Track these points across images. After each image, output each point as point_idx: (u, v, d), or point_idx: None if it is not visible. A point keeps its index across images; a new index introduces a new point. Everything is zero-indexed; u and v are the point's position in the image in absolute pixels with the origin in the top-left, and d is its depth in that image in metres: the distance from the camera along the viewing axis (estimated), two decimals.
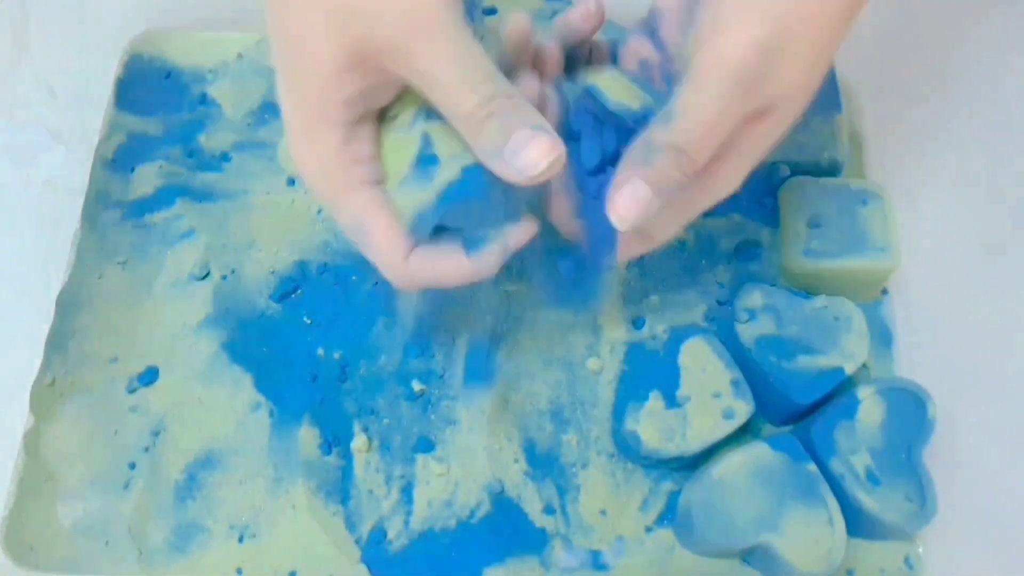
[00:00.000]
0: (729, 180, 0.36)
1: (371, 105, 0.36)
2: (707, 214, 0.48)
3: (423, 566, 0.42)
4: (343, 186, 0.36)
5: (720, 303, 0.47)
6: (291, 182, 0.51)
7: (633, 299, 0.47)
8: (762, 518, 0.40)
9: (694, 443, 0.41)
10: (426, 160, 0.36)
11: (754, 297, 0.44)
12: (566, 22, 0.40)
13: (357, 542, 0.43)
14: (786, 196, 0.47)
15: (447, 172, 0.35)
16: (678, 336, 0.44)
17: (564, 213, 0.39)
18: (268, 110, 0.52)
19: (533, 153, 0.32)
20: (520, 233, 0.37)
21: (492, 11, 0.55)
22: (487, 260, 0.37)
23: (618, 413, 0.44)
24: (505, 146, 0.32)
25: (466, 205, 0.36)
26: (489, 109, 0.33)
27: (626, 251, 0.39)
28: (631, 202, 0.33)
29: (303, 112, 0.35)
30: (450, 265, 0.37)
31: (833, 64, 0.50)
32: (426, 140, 0.36)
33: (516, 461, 0.44)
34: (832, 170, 0.48)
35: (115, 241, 0.49)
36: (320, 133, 0.35)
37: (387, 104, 0.37)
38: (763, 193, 0.49)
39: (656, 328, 0.46)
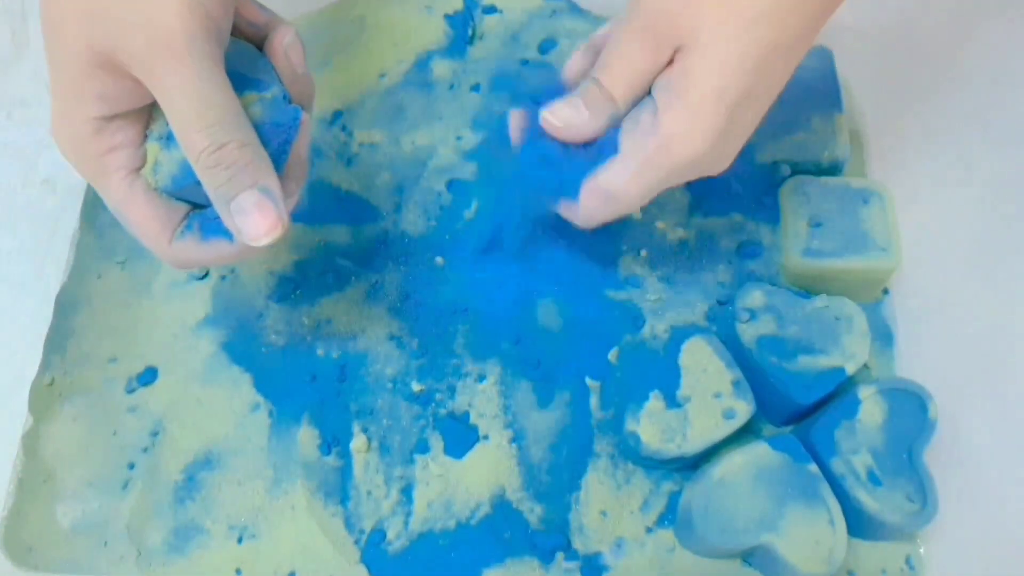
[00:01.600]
0: (678, 129, 0.36)
1: (131, 104, 0.35)
2: (707, 214, 0.49)
3: (422, 567, 0.42)
4: (98, 172, 0.36)
5: (720, 303, 0.47)
6: None
7: (633, 299, 0.47)
8: (763, 518, 0.40)
9: (694, 443, 0.41)
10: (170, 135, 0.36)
11: (755, 297, 0.44)
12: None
13: (356, 543, 0.42)
14: (787, 195, 0.47)
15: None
16: (678, 336, 0.44)
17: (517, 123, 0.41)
18: None
19: (257, 221, 0.34)
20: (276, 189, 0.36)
21: (492, 10, 0.56)
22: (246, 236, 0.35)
23: (618, 413, 0.44)
24: (231, 201, 0.34)
25: (195, 188, 0.36)
26: (218, 156, 0.33)
27: (593, 212, 0.39)
28: (564, 105, 0.38)
29: (59, 95, 0.35)
30: (214, 249, 0.37)
31: (832, 59, 0.50)
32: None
33: (516, 462, 0.44)
34: (833, 169, 0.48)
35: (114, 241, 0.49)
36: (74, 118, 0.35)
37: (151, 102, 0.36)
38: (764, 192, 0.49)
39: (656, 328, 0.46)
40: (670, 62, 0.36)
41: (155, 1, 0.32)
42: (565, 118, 0.38)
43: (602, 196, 0.38)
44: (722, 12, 0.34)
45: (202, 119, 0.33)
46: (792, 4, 0.34)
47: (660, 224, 0.48)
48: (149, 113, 0.37)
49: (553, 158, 0.39)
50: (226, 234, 0.36)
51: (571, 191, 0.39)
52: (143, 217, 0.37)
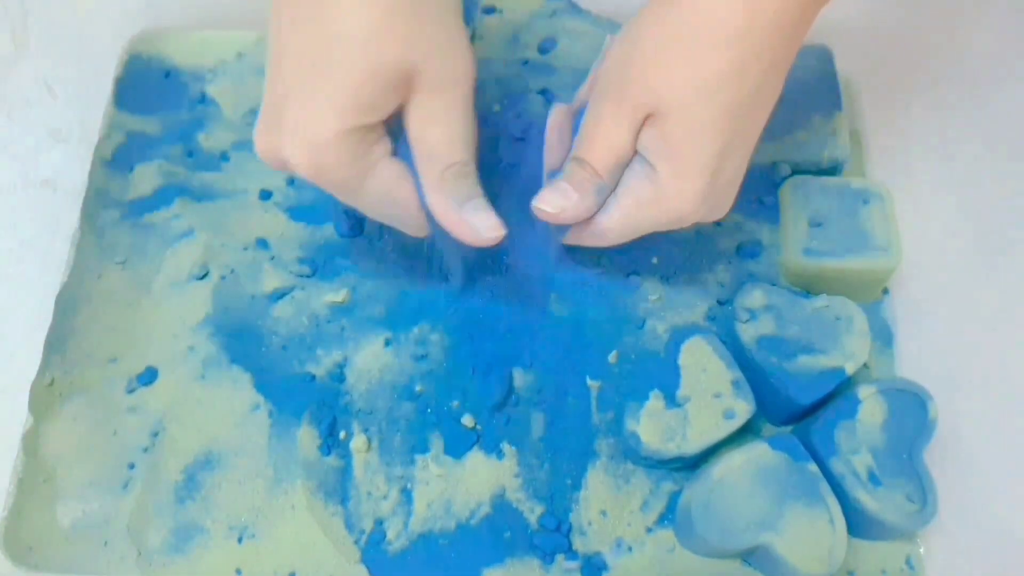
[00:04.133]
0: (671, 184, 0.38)
1: (388, 113, 0.38)
2: None
3: (423, 567, 0.42)
4: (363, 170, 0.38)
5: (720, 303, 0.47)
6: (291, 182, 0.51)
7: (633, 299, 0.47)
8: (763, 518, 0.40)
9: (694, 443, 0.41)
10: None
11: (755, 297, 0.44)
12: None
13: (357, 542, 0.42)
14: (787, 195, 0.47)
15: None
16: (678, 336, 0.44)
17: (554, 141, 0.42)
18: None
19: (490, 221, 0.39)
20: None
21: (492, 10, 0.56)
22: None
23: (618, 413, 0.44)
24: (468, 202, 0.39)
25: None
26: (464, 170, 0.39)
27: (579, 239, 0.42)
28: (552, 192, 0.40)
29: (334, 106, 0.36)
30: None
31: (832, 59, 0.50)
32: None
33: (516, 462, 0.44)
34: (833, 169, 0.48)
35: (114, 241, 0.49)
36: (346, 125, 0.36)
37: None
38: (764, 192, 0.49)
39: (656, 328, 0.46)
40: (647, 120, 0.38)
41: (461, 42, 0.38)
42: (557, 205, 0.39)
43: (592, 233, 0.41)
44: (687, 75, 0.36)
45: (462, 139, 0.39)
46: (752, 55, 0.35)
47: None
48: None
49: None
50: None
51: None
52: (410, 188, 0.39)
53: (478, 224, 0.39)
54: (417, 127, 0.38)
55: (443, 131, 0.38)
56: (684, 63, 0.36)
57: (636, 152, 0.39)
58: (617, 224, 0.40)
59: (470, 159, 0.39)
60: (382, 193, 0.39)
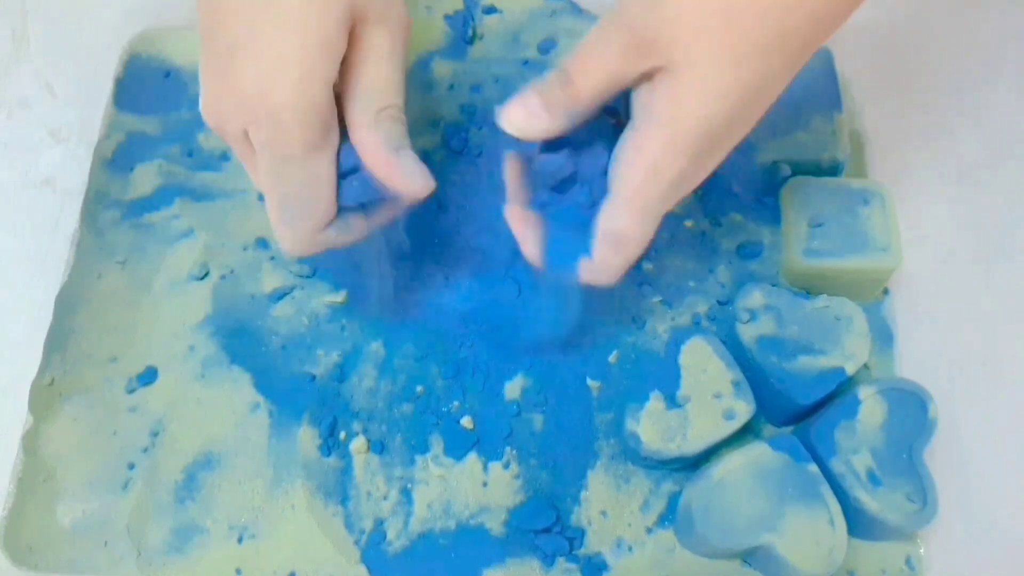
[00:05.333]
0: (663, 156, 0.35)
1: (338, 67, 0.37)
2: (707, 214, 0.49)
3: (423, 567, 0.42)
4: (321, 140, 0.37)
5: (721, 303, 0.47)
6: None
7: (633, 299, 0.47)
8: (763, 519, 0.40)
9: (695, 443, 0.41)
10: None
11: (755, 297, 0.44)
12: None
13: (357, 543, 0.42)
14: (787, 196, 0.47)
15: None
16: (678, 336, 0.44)
17: (525, 233, 0.39)
18: None
19: (424, 169, 0.38)
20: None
21: (492, 10, 0.56)
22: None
23: (619, 414, 0.44)
24: (400, 149, 0.37)
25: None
26: (401, 116, 0.38)
27: (610, 262, 0.38)
28: (519, 109, 0.36)
29: (303, 61, 0.35)
30: (373, 220, 0.40)
31: (832, 59, 0.50)
32: None
33: (516, 463, 0.44)
34: (833, 170, 0.48)
35: (114, 240, 0.49)
36: (315, 82, 0.35)
37: None
38: (764, 192, 0.49)
39: (656, 328, 0.46)
40: (648, 76, 0.35)
41: None
42: (519, 124, 0.36)
43: (611, 242, 0.37)
44: (714, 43, 0.33)
45: (397, 83, 0.38)
46: (779, 42, 0.34)
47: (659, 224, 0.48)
48: None
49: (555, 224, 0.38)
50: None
51: (583, 249, 0.38)
52: (332, 196, 0.38)
53: (412, 170, 0.37)
54: (357, 63, 0.37)
55: (381, 70, 0.37)
56: (718, 27, 0.33)
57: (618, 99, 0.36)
58: (629, 217, 0.36)
59: (402, 103, 0.38)
60: (309, 182, 0.37)
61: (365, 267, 0.43)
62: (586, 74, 0.35)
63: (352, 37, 0.36)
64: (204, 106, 0.37)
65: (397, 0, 0.38)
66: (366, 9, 0.36)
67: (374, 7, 0.36)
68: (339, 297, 0.47)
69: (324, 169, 0.37)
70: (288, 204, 0.38)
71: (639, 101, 0.35)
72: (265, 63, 0.35)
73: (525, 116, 0.36)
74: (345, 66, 0.37)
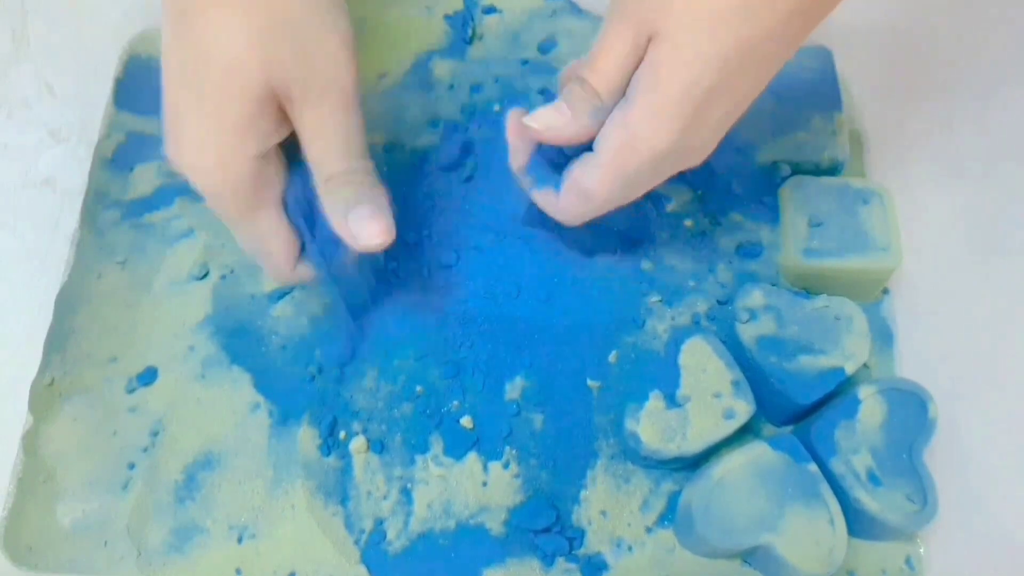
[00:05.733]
0: (643, 124, 0.36)
1: (278, 138, 0.38)
2: (706, 214, 0.49)
3: (423, 567, 0.42)
4: (252, 206, 0.38)
5: (720, 303, 0.47)
6: None
7: (633, 299, 0.47)
8: (763, 518, 0.40)
9: (694, 443, 0.41)
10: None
11: (755, 297, 0.44)
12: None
13: (356, 543, 0.42)
14: (787, 195, 0.47)
15: None
16: (678, 336, 0.44)
17: (517, 144, 0.41)
18: None
19: (371, 228, 0.38)
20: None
21: (492, 10, 0.56)
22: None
23: (618, 414, 0.44)
24: (351, 211, 0.38)
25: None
26: (349, 178, 0.38)
27: (569, 207, 0.39)
28: (546, 109, 0.38)
29: (223, 136, 0.36)
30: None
31: (832, 59, 0.50)
32: None
33: (516, 463, 0.44)
34: (833, 169, 0.48)
35: (114, 241, 0.49)
36: (238, 157, 0.37)
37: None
38: (764, 192, 0.49)
39: (656, 328, 0.46)
40: (648, 46, 0.36)
41: (331, 52, 0.37)
42: (545, 121, 0.38)
43: (577, 193, 0.38)
44: (692, 4, 0.33)
45: (341, 149, 0.38)
46: (765, 2, 0.33)
47: (660, 223, 0.48)
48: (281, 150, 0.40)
49: (555, 164, 0.40)
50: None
51: (556, 184, 0.40)
52: (285, 245, 0.40)
53: (357, 231, 0.38)
54: (303, 140, 0.38)
55: (324, 143, 0.38)
56: None
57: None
58: (599, 179, 0.37)
59: (355, 165, 0.39)
60: (256, 238, 0.40)
61: (346, 281, 0.44)
62: (601, 74, 0.36)
63: (290, 115, 0.38)
64: (166, 149, 0.38)
65: (329, 63, 0.37)
66: (289, 88, 0.36)
67: (297, 85, 0.36)
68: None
69: (266, 224, 0.39)
70: (250, 251, 0.41)
71: (635, 74, 0.36)
72: (190, 142, 0.37)
73: (552, 113, 0.37)
74: (299, 137, 0.38)
